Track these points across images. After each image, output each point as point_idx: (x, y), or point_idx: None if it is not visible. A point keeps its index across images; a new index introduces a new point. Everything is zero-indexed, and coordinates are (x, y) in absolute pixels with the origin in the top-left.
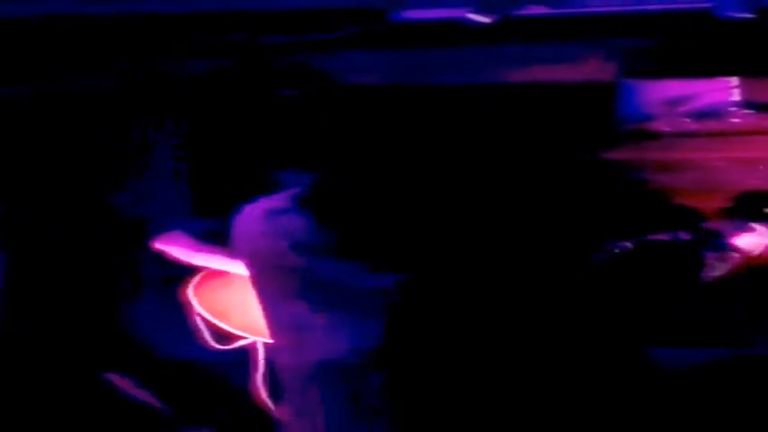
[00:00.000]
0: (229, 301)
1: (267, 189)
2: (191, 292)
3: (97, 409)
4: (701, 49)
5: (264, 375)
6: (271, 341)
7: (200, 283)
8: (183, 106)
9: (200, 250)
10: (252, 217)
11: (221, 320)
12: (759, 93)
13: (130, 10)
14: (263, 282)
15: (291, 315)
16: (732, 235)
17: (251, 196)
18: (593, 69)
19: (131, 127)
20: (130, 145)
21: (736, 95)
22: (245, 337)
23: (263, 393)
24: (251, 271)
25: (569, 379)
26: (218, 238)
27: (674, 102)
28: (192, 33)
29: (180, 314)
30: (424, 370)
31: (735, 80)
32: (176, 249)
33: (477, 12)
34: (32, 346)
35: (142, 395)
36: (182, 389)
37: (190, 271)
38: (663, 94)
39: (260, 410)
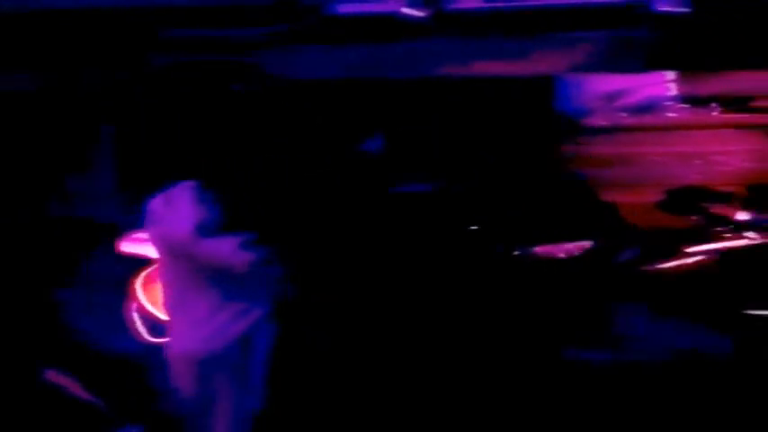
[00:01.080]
0: None
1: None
2: (138, 285)
3: (35, 404)
4: (637, 44)
5: None
6: None
7: (147, 277)
8: (120, 105)
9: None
10: (159, 203)
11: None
12: (695, 87)
13: (65, 6)
14: (165, 266)
15: (184, 301)
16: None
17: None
18: (528, 64)
19: (69, 127)
20: (68, 144)
21: (672, 90)
22: None
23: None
24: (159, 256)
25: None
26: None
27: (611, 96)
28: (129, 29)
29: (119, 310)
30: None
31: (671, 75)
32: (140, 247)
33: (410, 5)
34: None
35: (79, 392)
36: (118, 384)
37: (131, 269)
38: (600, 88)
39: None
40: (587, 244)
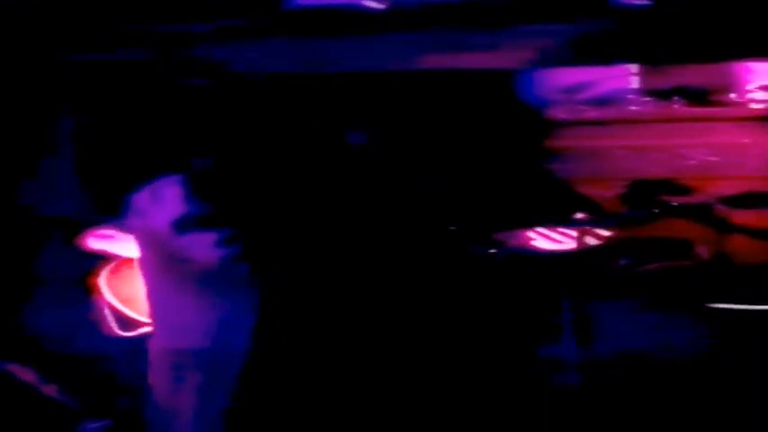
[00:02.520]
0: (138, 289)
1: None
2: (102, 281)
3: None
4: (598, 37)
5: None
6: None
7: (111, 272)
8: (82, 98)
9: (117, 239)
10: (143, 196)
11: (128, 308)
12: (656, 80)
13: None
14: (146, 261)
15: (165, 297)
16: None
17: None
18: (489, 57)
19: (30, 121)
20: (31, 139)
21: (634, 83)
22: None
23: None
24: (140, 251)
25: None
26: None
27: (573, 89)
28: (91, 23)
29: (82, 307)
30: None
31: (633, 68)
32: (104, 243)
33: None
34: None
35: (44, 387)
36: (82, 380)
37: (94, 259)
38: (561, 81)
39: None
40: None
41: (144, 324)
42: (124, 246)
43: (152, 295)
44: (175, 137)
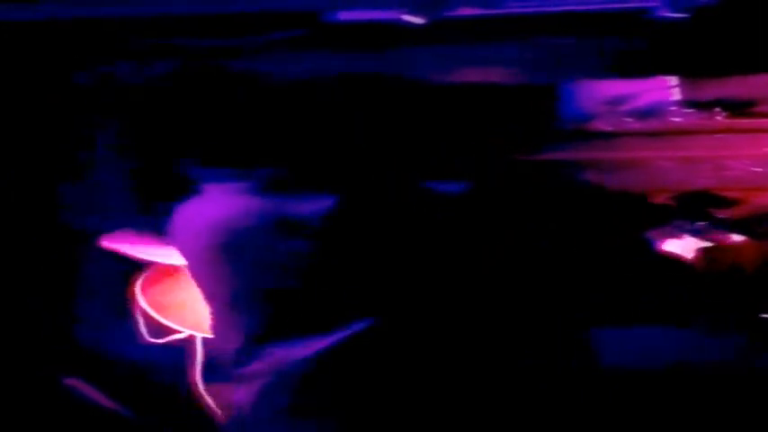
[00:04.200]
0: (174, 296)
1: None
2: (138, 288)
3: (59, 416)
4: (637, 49)
5: (202, 372)
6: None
7: (148, 279)
8: (125, 108)
9: (150, 245)
10: (190, 207)
11: (164, 316)
12: (698, 92)
13: (67, 15)
14: (206, 267)
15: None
16: None
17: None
18: (529, 70)
19: (74, 128)
20: (75, 146)
21: (676, 95)
22: (182, 332)
23: (202, 389)
24: (191, 260)
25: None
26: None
27: (615, 101)
28: (131, 37)
29: (124, 314)
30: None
31: (674, 79)
32: (127, 246)
33: (410, 12)
34: None
35: (104, 401)
36: (139, 393)
37: (135, 268)
38: (603, 93)
39: (198, 408)
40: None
41: (178, 332)
42: (155, 251)
43: (215, 300)
44: (217, 148)
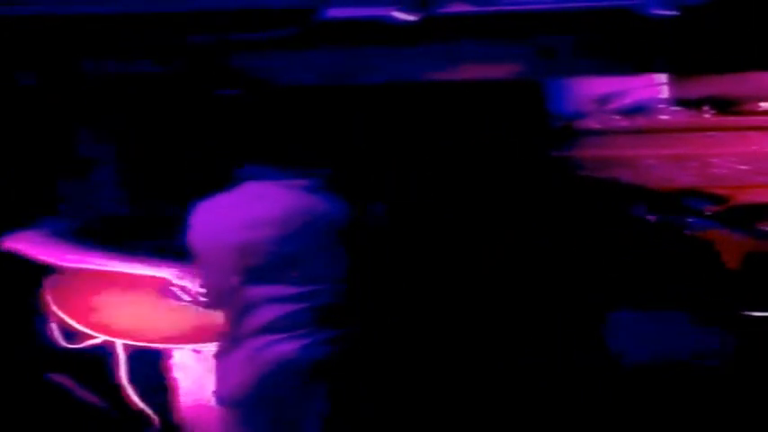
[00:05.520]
0: (88, 301)
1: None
2: (48, 292)
3: (45, 411)
4: (626, 47)
5: (128, 374)
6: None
7: (58, 283)
8: (121, 107)
9: (57, 248)
10: (203, 211)
11: (76, 320)
12: (687, 90)
13: (65, 11)
14: (251, 276)
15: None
16: None
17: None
18: (519, 67)
19: (70, 127)
20: (71, 145)
21: (664, 92)
22: (97, 337)
23: (131, 392)
24: (210, 261)
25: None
26: (86, 235)
27: (604, 99)
28: (127, 35)
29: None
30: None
31: (663, 77)
32: (32, 248)
33: (402, 10)
34: None
35: (85, 395)
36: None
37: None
38: (592, 91)
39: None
40: None
41: (92, 336)
42: (62, 254)
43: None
44: (212, 148)
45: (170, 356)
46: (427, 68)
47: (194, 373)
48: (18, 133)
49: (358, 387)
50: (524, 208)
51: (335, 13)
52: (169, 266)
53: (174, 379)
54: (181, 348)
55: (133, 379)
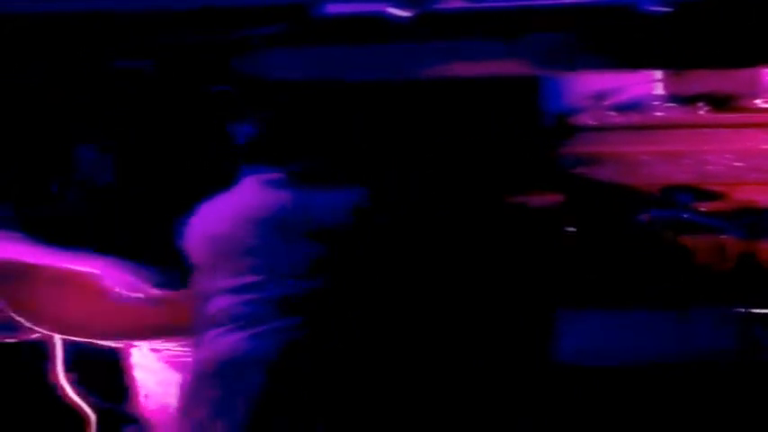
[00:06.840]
0: (30, 295)
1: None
2: None
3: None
4: (621, 43)
5: (64, 370)
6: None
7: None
8: (112, 106)
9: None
10: (218, 206)
11: (17, 312)
12: (681, 86)
13: (56, 9)
14: (212, 269)
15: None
16: None
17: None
18: (514, 64)
19: (58, 126)
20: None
21: (659, 89)
22: (37, 331)
23: (67, 388)
24: (204, 260)
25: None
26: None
27: (598, 95)
28: (119, 33)
29: None
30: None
31: (657, 74)
32: None
33: (396, 6)
34: None
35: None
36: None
37: None
38: (587, 87)
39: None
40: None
41: (33, 330)
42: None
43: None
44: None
45: (129, 356)
46: (421, 65)
47: (154, 372)
48: (18, 133)
49: (304, 380)
50: (518, 205)
51: (331, 9)
52: (107, 264)
53: (134, 378)
54: (119, 345)
55: (90, 377)
